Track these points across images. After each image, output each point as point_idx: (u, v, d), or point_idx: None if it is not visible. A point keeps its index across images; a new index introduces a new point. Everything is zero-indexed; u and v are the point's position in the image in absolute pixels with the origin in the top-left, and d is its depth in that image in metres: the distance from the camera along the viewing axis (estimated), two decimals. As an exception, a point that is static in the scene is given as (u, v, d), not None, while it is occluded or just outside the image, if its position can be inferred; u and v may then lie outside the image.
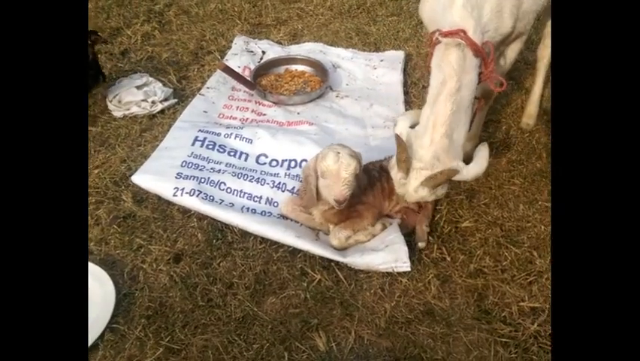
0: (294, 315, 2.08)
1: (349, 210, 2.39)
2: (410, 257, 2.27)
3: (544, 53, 3.33)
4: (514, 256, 2.42)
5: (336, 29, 4.38)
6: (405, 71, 3.83)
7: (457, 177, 2.15)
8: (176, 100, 3.32)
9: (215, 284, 2.20)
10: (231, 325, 2.04)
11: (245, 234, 2.40)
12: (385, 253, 2.27)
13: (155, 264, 2.28)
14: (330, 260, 2.30)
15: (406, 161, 2.12)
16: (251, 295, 2.15)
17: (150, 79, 3.40)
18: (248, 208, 2.51)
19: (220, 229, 2.46)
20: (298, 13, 4.64)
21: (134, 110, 3.18)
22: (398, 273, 2.25)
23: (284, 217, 2.51)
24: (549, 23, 3.20)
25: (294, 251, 2.33)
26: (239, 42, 3.94)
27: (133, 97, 3.20)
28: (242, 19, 4.40)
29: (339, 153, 2.18)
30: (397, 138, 2.13)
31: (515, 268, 2.37)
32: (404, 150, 2.11)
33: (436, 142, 2.11)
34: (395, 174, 2.23)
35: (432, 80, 2.21)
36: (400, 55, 3.97)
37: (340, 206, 2.21)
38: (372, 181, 2.51)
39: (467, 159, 2.20)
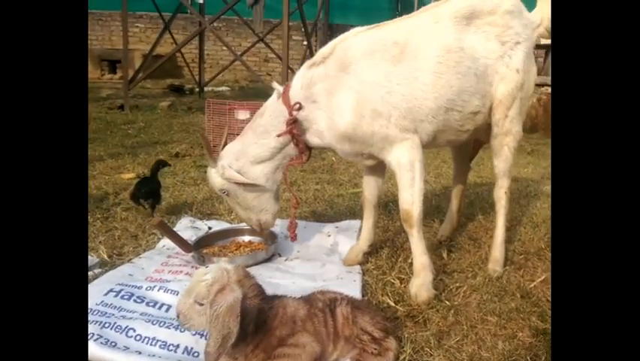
0: None
1: (273, 350, 1.92)
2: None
3: (500, 195, 3.19)
4: (499, 386, 1.91)
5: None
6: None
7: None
8: (100, 270, 2.92)
9: None
10: None
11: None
12: (329, 389, 1.76)
13: None
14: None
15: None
16: None
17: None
18: (160, 357, 1.99)
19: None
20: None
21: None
22: (348, 415, 1.71)
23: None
24: (497, 164, 3.12)
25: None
26: (184, 221, 3.72)
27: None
28: (193, 210, 4.27)
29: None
30: (203, 137, 2.99)
31: (502, 397, 1.84)
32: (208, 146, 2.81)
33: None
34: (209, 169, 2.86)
35: None
36: (355, 223, 3.77)
37: None
38: (313, 314, 2.08)
39: None
